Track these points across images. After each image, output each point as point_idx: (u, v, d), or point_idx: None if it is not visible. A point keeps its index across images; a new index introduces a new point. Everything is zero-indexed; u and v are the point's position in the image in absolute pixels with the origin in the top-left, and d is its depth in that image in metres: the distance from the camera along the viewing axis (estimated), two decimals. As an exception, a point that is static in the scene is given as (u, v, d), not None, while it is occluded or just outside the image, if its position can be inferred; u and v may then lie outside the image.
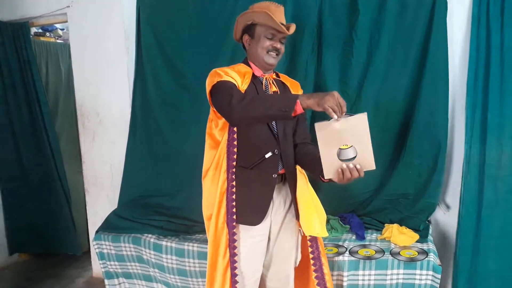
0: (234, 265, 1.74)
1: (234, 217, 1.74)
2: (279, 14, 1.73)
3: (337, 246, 2.29)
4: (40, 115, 3.44)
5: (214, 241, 1.76)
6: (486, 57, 2.34)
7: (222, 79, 1.68)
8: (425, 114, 2.47)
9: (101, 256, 2.66)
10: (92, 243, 2.78)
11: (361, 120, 1.44)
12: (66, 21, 3.25)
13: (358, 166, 1.49)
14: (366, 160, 1.47)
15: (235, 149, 1.75)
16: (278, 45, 1.76)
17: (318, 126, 1.47)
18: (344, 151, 1.48)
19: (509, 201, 2.37)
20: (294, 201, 1.83)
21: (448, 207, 2.60)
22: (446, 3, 2.40)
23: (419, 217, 2.42)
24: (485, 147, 2.36)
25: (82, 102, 3.25)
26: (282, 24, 1.72)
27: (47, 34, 4.00)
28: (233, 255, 1.74)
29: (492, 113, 2.34)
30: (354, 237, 2.41)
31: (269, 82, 1.83)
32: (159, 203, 2.84)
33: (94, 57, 3.14)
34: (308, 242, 1.87)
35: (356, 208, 2.64)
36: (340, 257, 2.17)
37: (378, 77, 2.55)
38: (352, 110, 2.59)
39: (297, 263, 1.92)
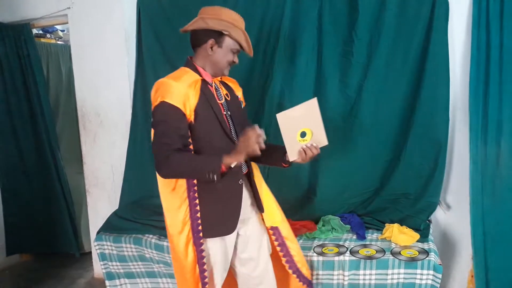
0: (205, 280, 1.74)
1: (201, 234, 1.72)
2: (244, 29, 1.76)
3: (338, 246, 2.30)
4: (41, 117, 3.45)
5: (178, 260, 1.75)
6: (486, 57, 2.34)
7: (165, 101, 1.59)
8: (425, 114, 2.47)
9: (103, 256, 2.66)
10: (93, 244, 2.78)
11: (312, 105, 1.66)
12: (67, 23, 3.26)
13: (314, 144, 1.69)
14: (320, 138, 1.69)
15: None
16: (236, 59, 1.78)
17: (279, 116, 1.67)
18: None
19: None
20: (256, 196, 1.87)
21: (448, 206, 2.60)
22: (447, 2, 2.40)
23: (420, 216, 2.42)
24: (499, 147, 2.37)
25: (83, 103, 3.26)
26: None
27: (48, 35, 4.01)
28: (202, 271, 1.73)
29: (491, 112, 2.34)
30: (354, 237, 2.41)
31: (220, 86, 1.82)
32: (160, 203, 2.83)
33: (94, 58, 3.15)
34: (270, 231, 1.91)
35: (356, 208, 2.64)
36: (341, 257, 2.18)
37: (378, 77, 2.55)
38: (353, 110, 2.61)
39: (270, 250, 1.96)
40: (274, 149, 1.81)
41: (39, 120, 3.45)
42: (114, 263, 2.65)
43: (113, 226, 2.71)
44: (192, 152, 1.68)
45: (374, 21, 2.53)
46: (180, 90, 1.62)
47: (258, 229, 1.92)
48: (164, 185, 1.75)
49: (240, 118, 1.83)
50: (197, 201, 1.70)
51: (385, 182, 2.60)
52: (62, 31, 4.16)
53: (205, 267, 1.73)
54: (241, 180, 1.78)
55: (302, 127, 1.68)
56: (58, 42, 4.10)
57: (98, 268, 3.10)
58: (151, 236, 2.54)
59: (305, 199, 2.70)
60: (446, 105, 2.46)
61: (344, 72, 2.61)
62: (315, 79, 2.65)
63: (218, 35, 1.70)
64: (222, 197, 1.74)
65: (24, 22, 3.35)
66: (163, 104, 1.60)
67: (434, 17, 2.41)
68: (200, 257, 1.72)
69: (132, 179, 2.98)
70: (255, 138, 1.54)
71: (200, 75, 1.73)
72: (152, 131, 1.67)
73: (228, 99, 1.81)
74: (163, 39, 2.95)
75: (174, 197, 1.73)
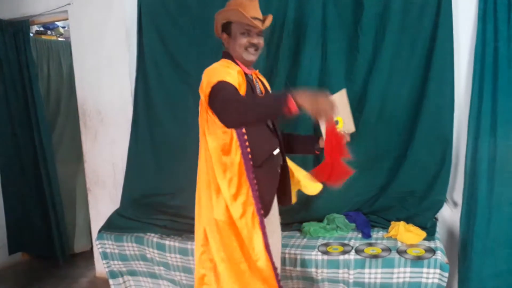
0: (274, 263, 1.72)
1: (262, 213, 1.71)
2: (252, 8, 1.71)
3: (343, 244, 2.27)
4: (35, 115, 3.42)
5: (242, 247, 1.69)
6: (494, 51, 2.29)
7: (224, 80, 1.60)
8: (431, 110, 2.43)
9: (104, 255, 2.64)
10: (95, 243, 2.77)
11: (342, 95, 1.77)
12: (67, 19, 3.24)
13: (345, 131, 1.82)
14: (349, 126, 1.84)
15: (248, 149, 1.70)
16: (255, 40, 1.74)
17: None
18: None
19: None
20: (285, 187, 1.91)
21: (455, 204, 2.56)
22: None
23: (426, 214, 2.39)
24: (495, 142, 2.32)
25: (84, 101, 3.24)
26: (257, 18, 1.71)
27: (49, 32, 3.98)
28: (269, 252, 1.70)
29: (501, 107, 2.30)
30: (360, 236, 2.38)
31: (257, 80, 1.84)
32: (161, 202, 2.82)
33: (95, 55, 3.12)
34: None
35: (362, 206, 2.61)
36: (346, 256, 2.15)
37: (384, 73, 2.51)
38: (358, 106, 2.57)
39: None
40: (305, 137, 2.04)
41: (33, 119, 3.42)
42: (116, 262, 2.64)
43: (115, 225, 2.70)
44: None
45: (379, 16, 2.50)
46: (234, 75, 1.66)
47: (278, 221, 1.96)
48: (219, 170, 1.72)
49: None
50: (255, 181, 1.70)
51: (391, 179, 2.56)
52: (63, 27, 4.14)
53: (270, 248, 1.70)
54: (279, 168, 1.84)
55: (337, 115, 1.76)
56: (59, 39, 4.07)
57: (100, 266, 3.09)
58: (152, 235, 2.52)
59: (310, 196, 2.66)
60: (452, 101, 2.42)
61: (350, 68, 2.58)
62: (319, 75, 2.62)
63: (225, 28, 1.77)
64: (263, 182, 1.74)
65: (24, 19, 3.33)
66: (222, 82, 1.59)
67: (440, 11, 2.37)
68: (266, 239, 1.69)
69: (134, 177, 2.95)
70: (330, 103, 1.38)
71: (239, 66, 1.76)
72: (207, 106, 1.68)
73: (263, 93, 1.84)
74: (164, 35, 2.92)
75: (232, 182, 1.69)
